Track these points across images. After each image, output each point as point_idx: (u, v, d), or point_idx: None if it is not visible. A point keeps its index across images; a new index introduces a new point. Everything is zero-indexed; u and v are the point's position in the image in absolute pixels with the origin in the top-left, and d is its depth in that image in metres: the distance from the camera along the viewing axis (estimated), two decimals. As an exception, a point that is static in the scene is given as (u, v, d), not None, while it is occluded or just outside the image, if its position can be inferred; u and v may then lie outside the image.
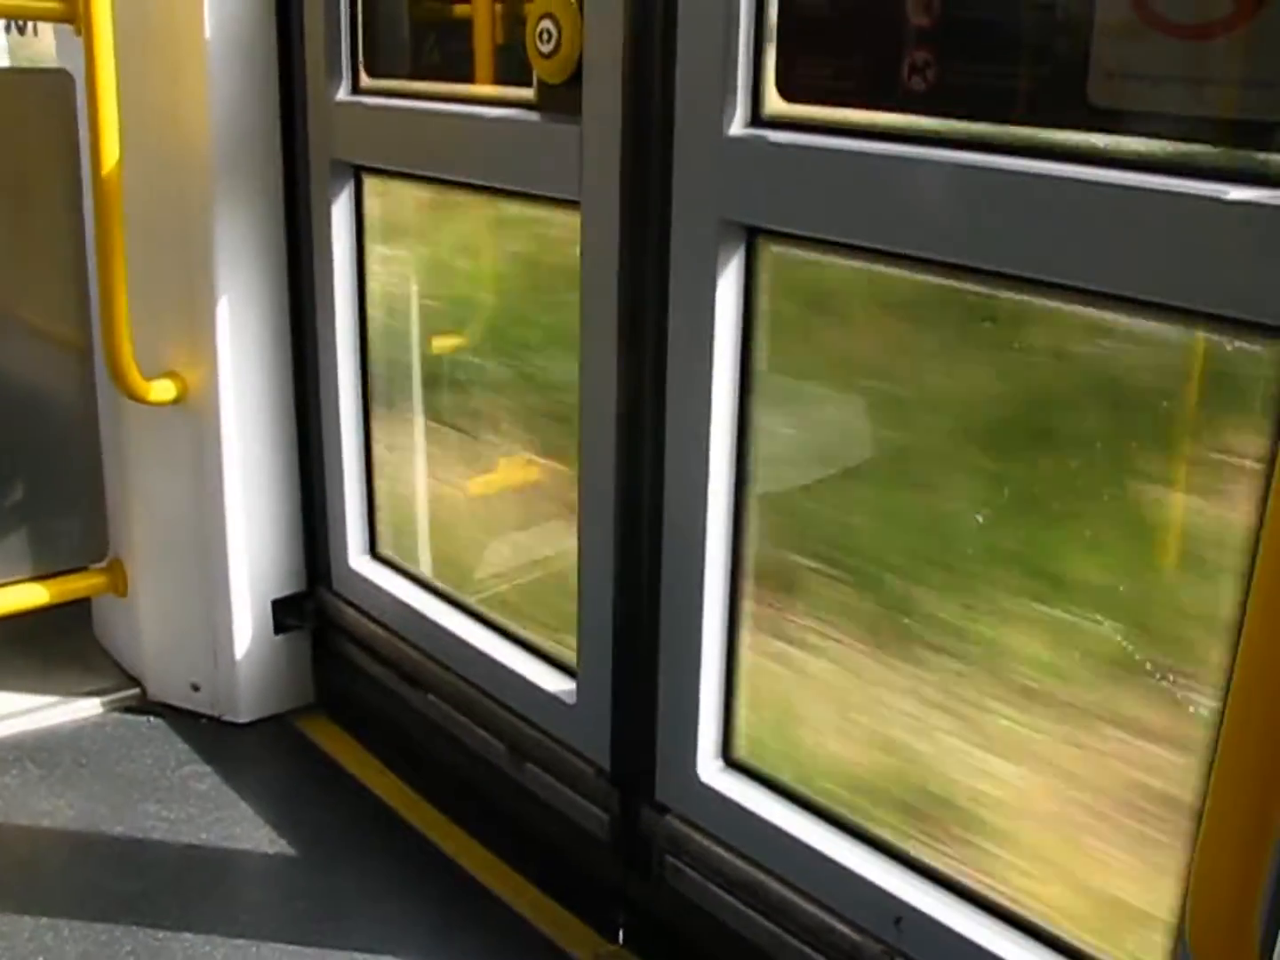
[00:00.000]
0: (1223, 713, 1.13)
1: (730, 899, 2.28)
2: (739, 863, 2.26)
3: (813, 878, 2.15)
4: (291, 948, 2.50)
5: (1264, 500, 1.08)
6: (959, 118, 1.81)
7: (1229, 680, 1.12)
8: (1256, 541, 1.14)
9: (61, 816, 2.88)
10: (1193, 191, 1.54)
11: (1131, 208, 1.59)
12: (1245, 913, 1.13)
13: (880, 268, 1.96)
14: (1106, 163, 1.64)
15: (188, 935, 2.53)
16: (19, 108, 2.98)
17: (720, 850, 2.29)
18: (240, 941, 2.51)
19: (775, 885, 2.20)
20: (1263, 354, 1.56)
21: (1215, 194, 1.51)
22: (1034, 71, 1.77)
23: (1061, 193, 1.66)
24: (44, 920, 2.56)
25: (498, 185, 2.56)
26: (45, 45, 3.19)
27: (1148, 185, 1.58)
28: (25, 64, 3.88)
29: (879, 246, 1.92)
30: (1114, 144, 1.65)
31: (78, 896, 2.64)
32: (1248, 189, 1.50)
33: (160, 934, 2.53)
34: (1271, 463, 1.52)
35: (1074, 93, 1.69)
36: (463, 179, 2.65)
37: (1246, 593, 1.12)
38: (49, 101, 2.93)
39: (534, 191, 2.47)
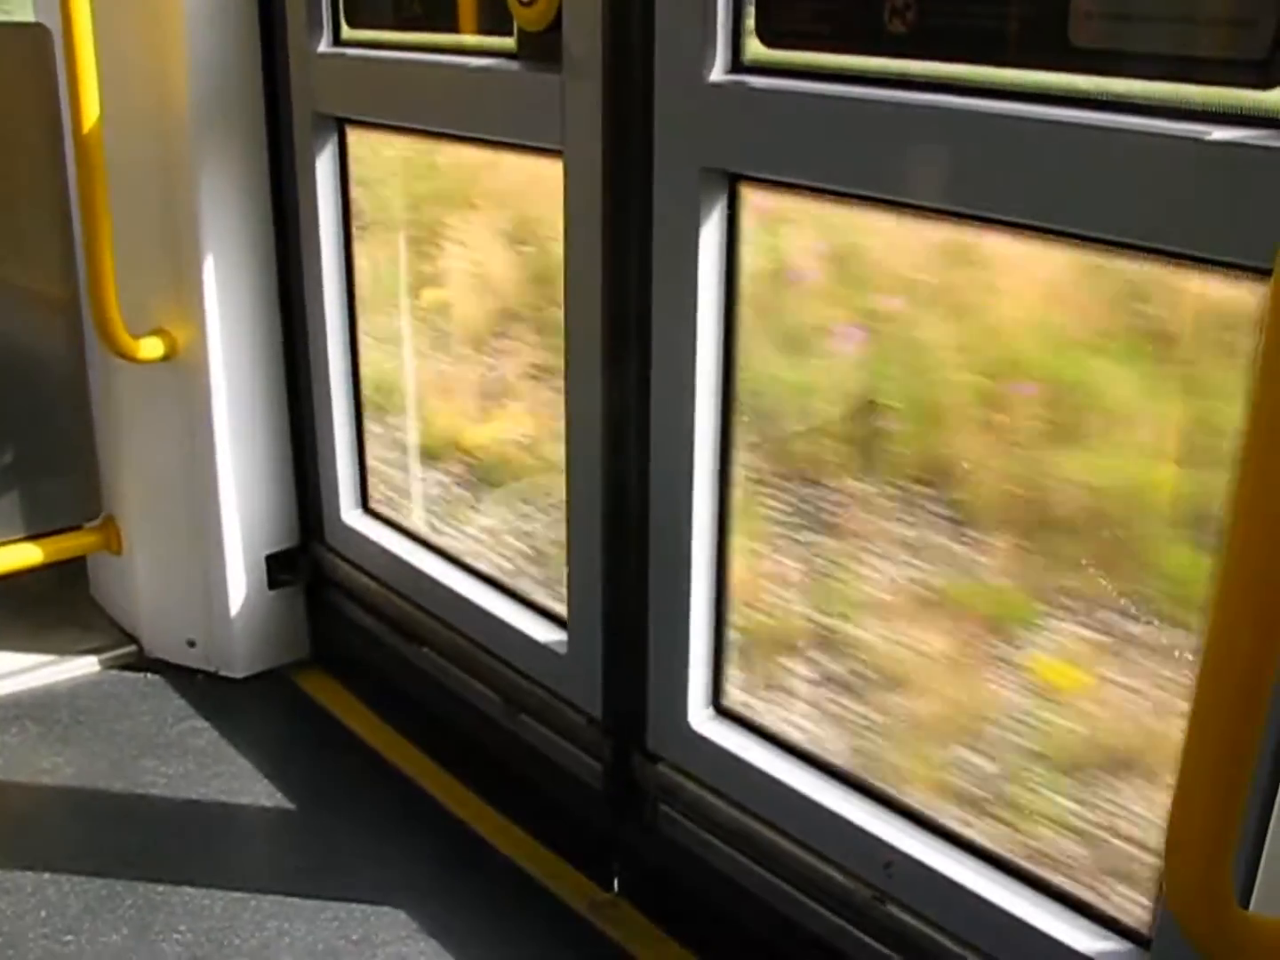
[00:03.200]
0: (1196, 677, 1.13)
1: (722, 846, 2.30)
2: (730, 810, 2.27)
3: (803, 824, 2.16)
4: (290, 900, 2.52)
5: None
6: (940, 60, 1.79)
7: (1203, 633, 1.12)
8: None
9: (61, 774, 2.89)
10: (1175, 132, 1.52)
11: (1114, 149, 1.58)
12: (1219, 865, 1.13)
13: (864, 212, 1.95)
14: (1089, 104, 1.63)
15: (187, 889, 2.55)
16: (-4, 63, 2.95)
17: (712, 798, 2.31)
18: (239, 894, 2.53)
19: (766, 832, 2.21)
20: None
21: (1197, 134, 1.50)
22: (1015, 12, 1.75)
23: (1044, 135, 1.65)
24: (45, 875, 2.58)
25: (480, 135, 2.54)
26: None
27: (1130, 126, 1.57)
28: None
29: (862, 192, 1.91)
30: (1096, 85, 1.63)
31: (78, 852, 2.67)
32: (1230, 129, 1.49)
33: (160, 888, 2.55)
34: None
35: (1056, 33, 1.67)
36: (445, 130, 2.63)
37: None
38: (27, 57, 2.91)
39: (516, 141, 2.46)
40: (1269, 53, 1.46)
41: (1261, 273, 1.42)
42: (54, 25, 2.78)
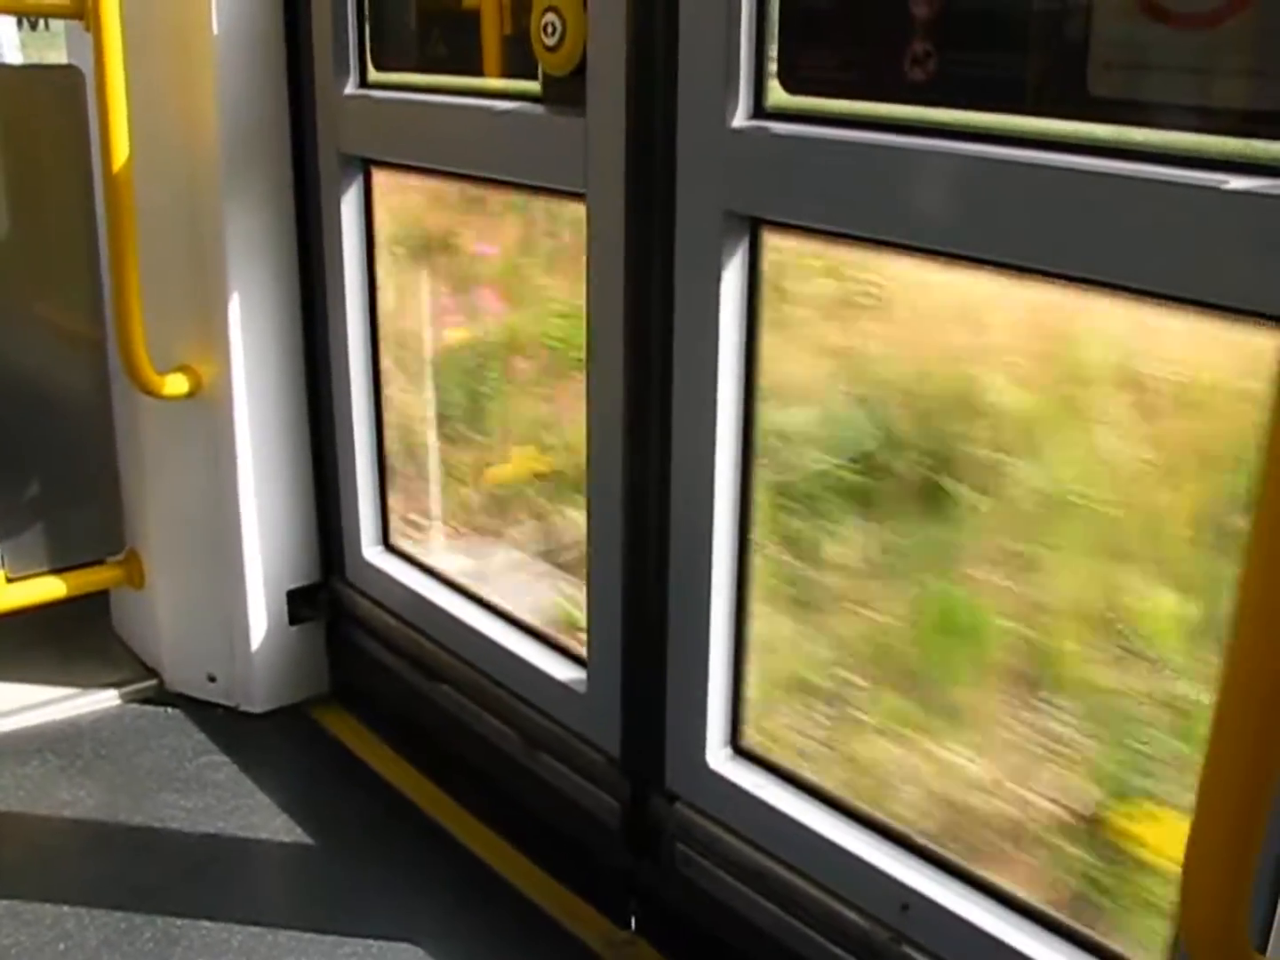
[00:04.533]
0: (1213, 715, 1.14)
1: (739, 886, 2.30)
2: (748, 850, 2.27)
3: (821, 865, 2.16)
4: (307, 935, 2.53)
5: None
6: (960, 108, 1.81)
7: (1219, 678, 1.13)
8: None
9: (81, 806, 2.91)
10: (1192, 181, 1.54)
11: (1131, 197, 1.60)
12: (1235, 909, 1.14)
13: (883, 258, 1.97)
14: (1107, 153, 1.65)
15: (205, 923, 2.55)
16: (30, 104, 3.00)
17: (729, 838, 2.31)
18: (257, 929, 2.54)
19: (784, 872, 2.21)
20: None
21: (1215, 183, 1.52)
22: (1034, 62, 1.77)
23: (1062, 183, 1.66)
24: (65, 908, 2.59)
25: (504, 178, 2.57)
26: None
27: (1147, 175, 1.58)
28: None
29: (881, 237, 1.93)
30: (1114, 134, 1.65)
31: (98, 885, 2.68)
32: (1247, 178, 1.50)
33: (179, 922, 2.56)
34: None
35: (1074, 83, 1.70)
36: (470, 172, 2.66)
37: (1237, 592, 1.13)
38: (59, 98, 2.95)
39: (540, 184, 2.49)
40: (1285, 102, 1.48)
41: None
42: (86, 67, 2.82)
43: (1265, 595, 1.09)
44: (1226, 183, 1.51)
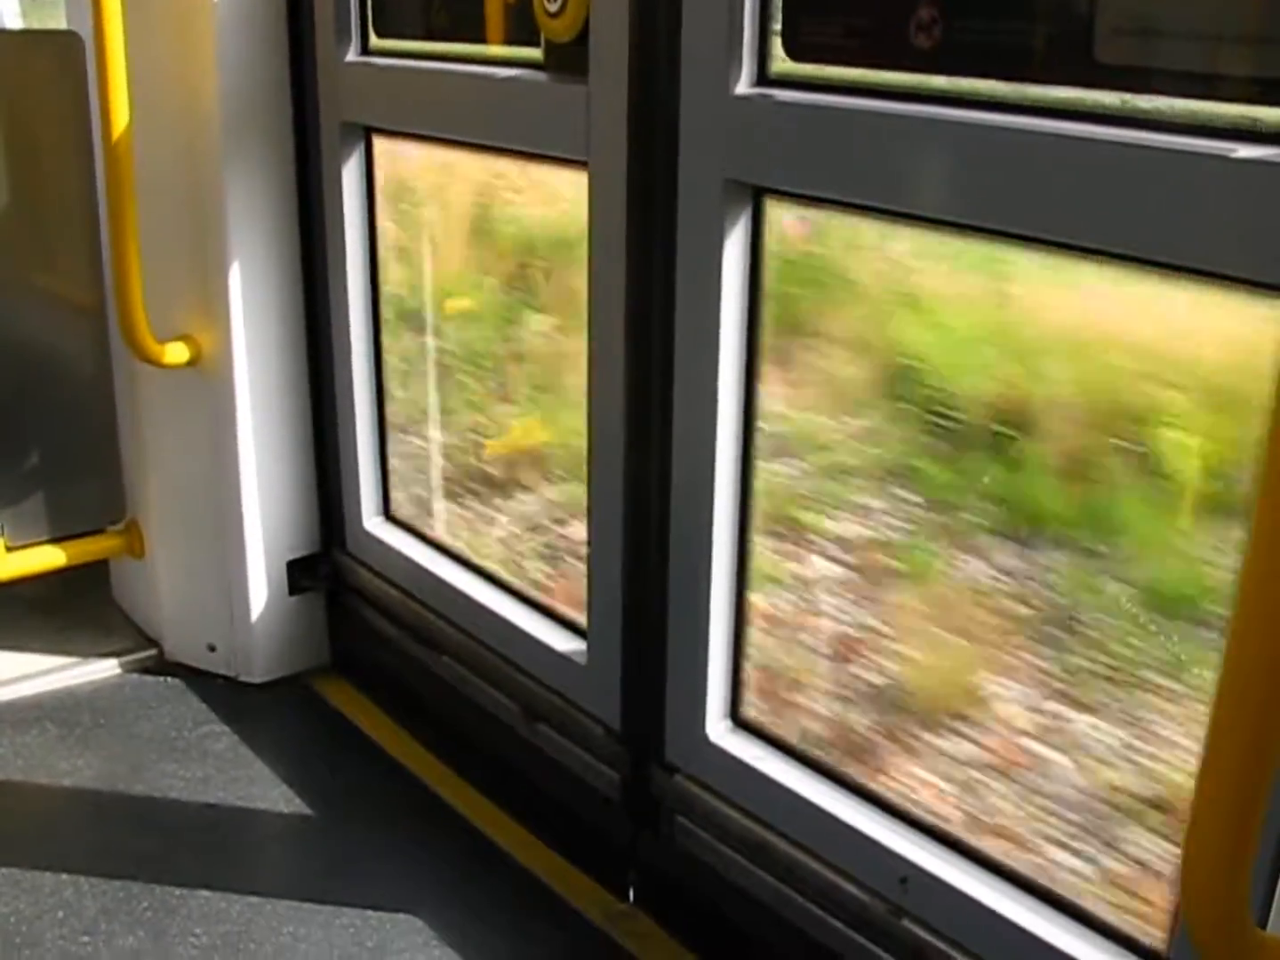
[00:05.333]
0: (1215, 695, 1.13)
1: (738, 858, 2.29)
2: (747, 822, 2.27)
3: (820, 837, 2.16)
4: (306, 905, 2.53)
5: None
6: (965, 76, 1.79)
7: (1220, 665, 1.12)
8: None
9: (80, 775, 2.91)
10: (1200, 150, 1.52)
11: (1138, 166, 1.58)
12: (1236, 884, 1.13)
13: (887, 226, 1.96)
14: (1113, 121, 1.63)
15: (204, 892, 2.56)
16: (29, 70, 2.98)
17: (728, 810, 2.30)
18: (255, 899, 2.54)
19: (783, 844, 2.21)
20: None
21: (1223, 152, 1.50)
22: (1040, 29, 1.75)
23: (1068, 151, 1.65)
24: (64, 876, 2.59)
25: (506, 145, 2.55)
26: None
27: (1155, 143, 1.57)
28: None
29: (885, 206, 1.91)
30: (1121, 102, 1.63)
31: (96, 854, 2.68)
32: (1255, 146, 1.48)
33: (177, 891, 2.56)
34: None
35: (1081, 50, 1.67)
36: (471, 139, 2.65)
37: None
38: (59, 64, 2.93)
39: (542, 152, 2.47)
40: (1293, 70, 1.46)
41: (1287, 291, 1.43)
42: (85, 33, 2.80)
43: (1266, 577, 1.08)
44: (1235, 151, 1.49)
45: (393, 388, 3.09)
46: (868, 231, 2.04)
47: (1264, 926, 1.54)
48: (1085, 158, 1.63)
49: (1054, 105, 1.68)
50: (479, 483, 3.06)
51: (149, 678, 3.29)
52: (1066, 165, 1.65)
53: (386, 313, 3.04)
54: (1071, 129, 1.65)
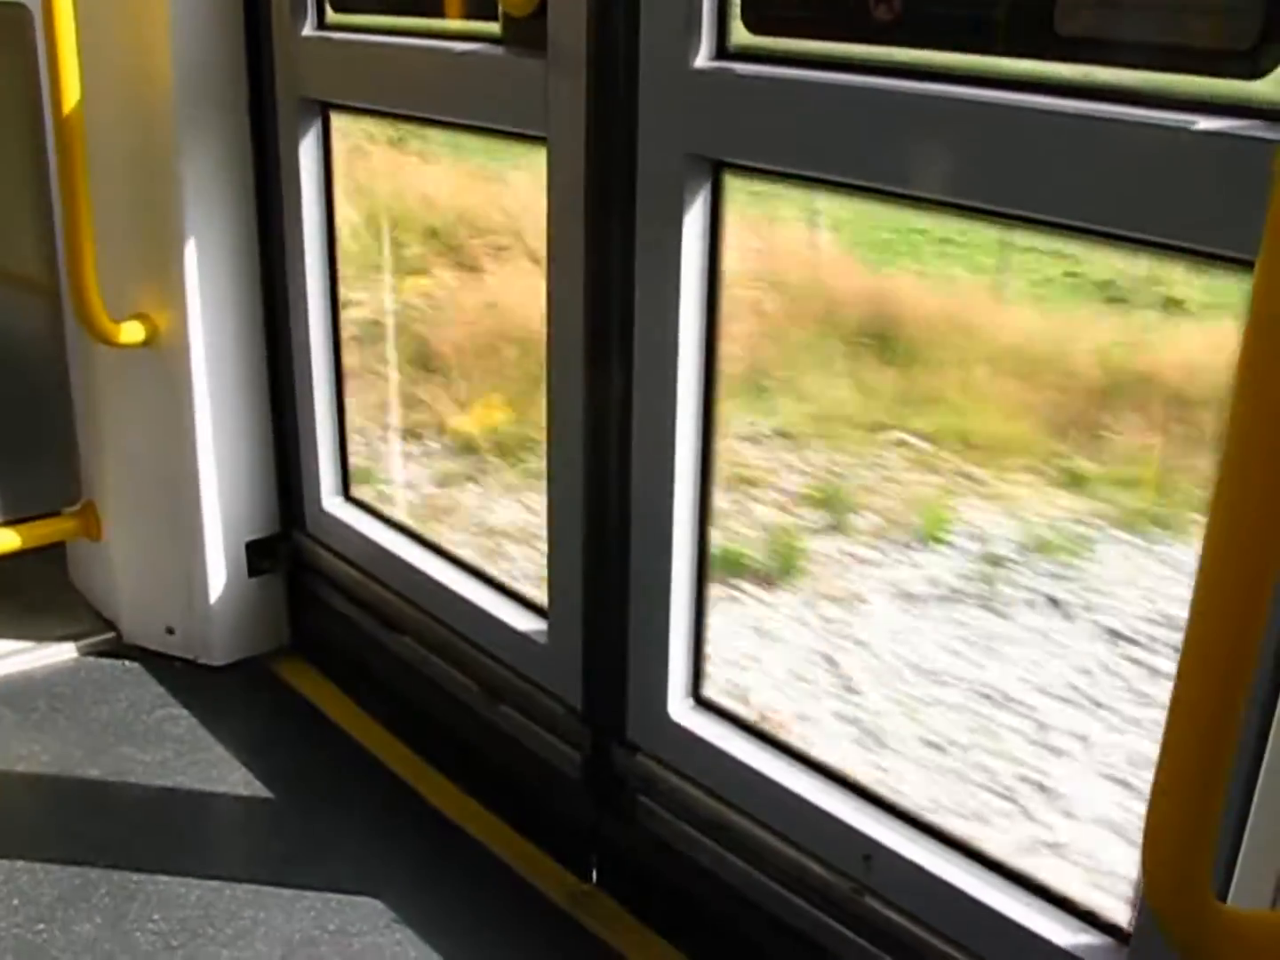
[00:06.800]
0: (1177, 667, 1.13)
1: (701, 837, 2.29)
2: (710, 801, 2.26)
3: (783, 816, 2.15)
4: (267, 889, 2.51)
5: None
6: (925, 48, 1.78)
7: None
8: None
9: (36, 760, 2.88)
10: (1162, 122, 1.51)
11: (1099, 138, 1.57)
12: (1197, 858, 1.12)
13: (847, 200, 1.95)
14: (1074, 93, 1.62)
15: (162, 877, 2.53)
16: (-26, 44, 2.93)
17: (691, 789, 2.30)
18: (215, 883, 2.52)
19: (745, 824, 2.20)
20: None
21: (1183, 124, 1.49)
22: (1001, 1, 1.74)
23: (1029, 124, 1.64)
24: (19, 863, 2.56)
25: (464, 121, 2.53)
26: None
27: (1116, 115, 1.56)
28: None
29: (846, 180, 1.89)
30: (1082, 74, 1.62)
31: (52, 840, 2.65)
32: (1216, 119, 1.48)
33: (135, 876, 2.53)
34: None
35: (1041, 22, 1.66)
36: (429, 115, 2.62)
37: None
38: (6, 37, 2.89)
39: (500, 127, 2.44)
40: (1255, 43, 1.45)
41: (1246, 264, 1.41)
42: (34, 5, 2.75)
43: (1224, 551, 1.08)
44: (1195, 123, 1.48)
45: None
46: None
47: (1224, 900, 1.55)
48: (1047, 130, 1.62)
49: (1016, 78, 1.67)
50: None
51: (106, 661, 3.26)
52: (1028, 138, 1.64)
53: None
54: (1033, 101, 1.64)
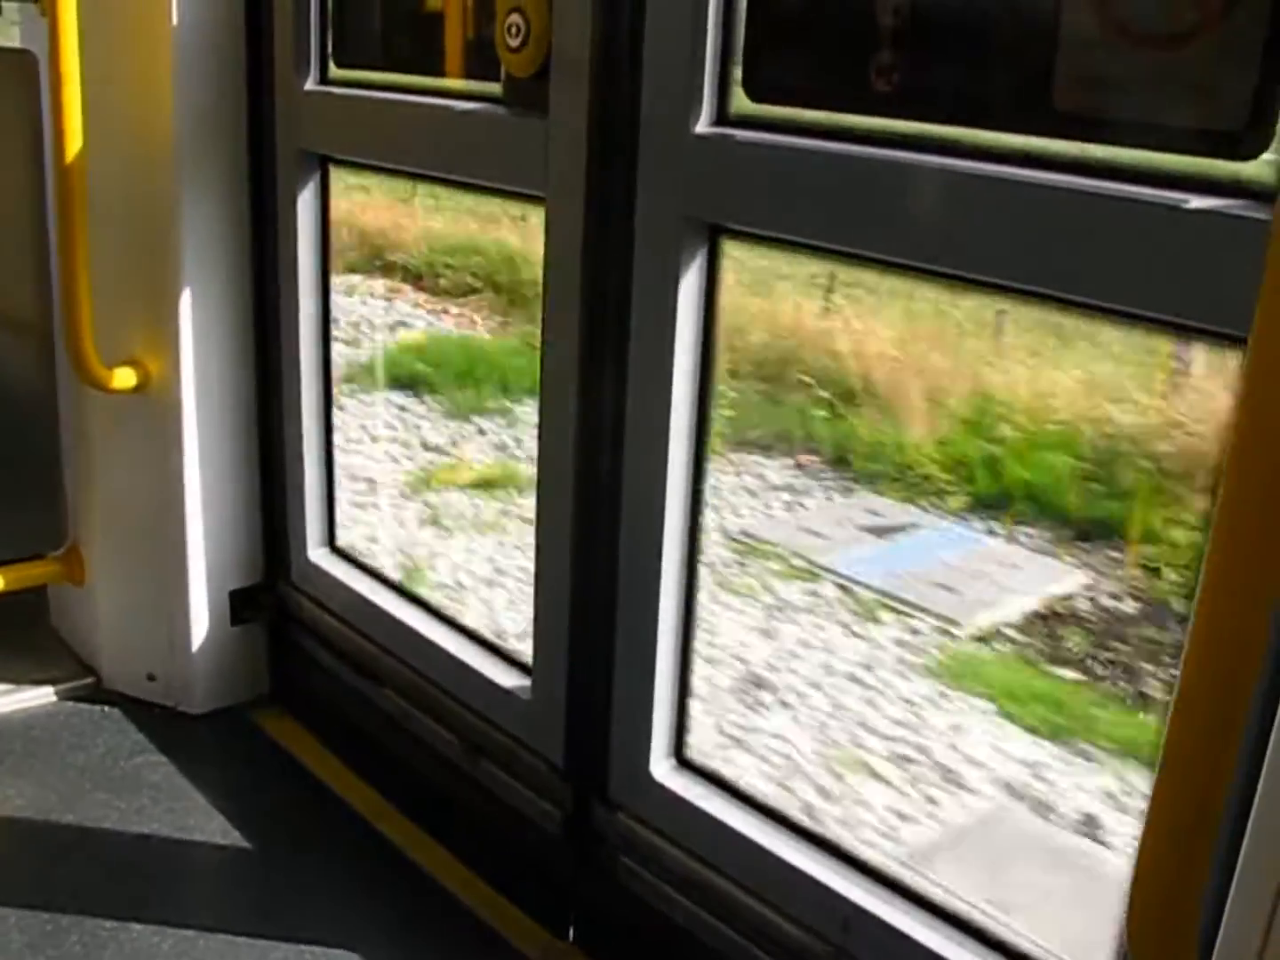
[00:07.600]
0: (1167, 720, 1.14)
1: (680, 898, 2.28)
2: (690, 861, 2.26)
3: (763, 878, 2.15)
4: (241, 939, 2.48)
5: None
6: (924, 120, 1.81)
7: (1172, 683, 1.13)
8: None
9: (10, 805, 2.85)
10: (1155, 199, 1.54)
11: (1094, 214, 1.60)
12: (1185, 913, 1.13)
13: (843, 267, 1.97)
14: (1070, 168, 1.65)
15: (136, 926, 2.50)
16: (-18, 88, 2.95)
17: (671, 849, 2.29)
18: (189, 933, 2.49)
19: (725, 885, 2.20)
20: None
21: (1176, 202, 1.52)
22: (1000, 76, 1.77)
23: (1025, 197, 1.67)
24: (-11, 909, 2.54)
25: (464, 179, 2.56)
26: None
27: (1110, 191, 1.59)
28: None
29: (842, 248, 1.92)
30: (1078, 150, 1.66)
31: (25, 885, 2.62)
32: (1209, 197, 1.51)
33: (108, 924, 2.51)
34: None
35: (1039, 98, 1.70)
36: (430, 172, 2.65)
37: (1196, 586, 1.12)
38: (12, 83, 2.90)
39: (500, 186, 2.47)
40: (1245, 125, 1.49)
41: (1237, 340, 1.44)
42: (40, 52, 2.78)
43: (1221, 591, 1.09)
44: (1188, 201, 1.51)
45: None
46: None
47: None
48: (1042, 204, 1.65)
49: (1012, 152, 1.70)
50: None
51: (85, 706, 3.23)
52: (1024, 211, 1.67)
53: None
54: (1029, 175, 1.67)
